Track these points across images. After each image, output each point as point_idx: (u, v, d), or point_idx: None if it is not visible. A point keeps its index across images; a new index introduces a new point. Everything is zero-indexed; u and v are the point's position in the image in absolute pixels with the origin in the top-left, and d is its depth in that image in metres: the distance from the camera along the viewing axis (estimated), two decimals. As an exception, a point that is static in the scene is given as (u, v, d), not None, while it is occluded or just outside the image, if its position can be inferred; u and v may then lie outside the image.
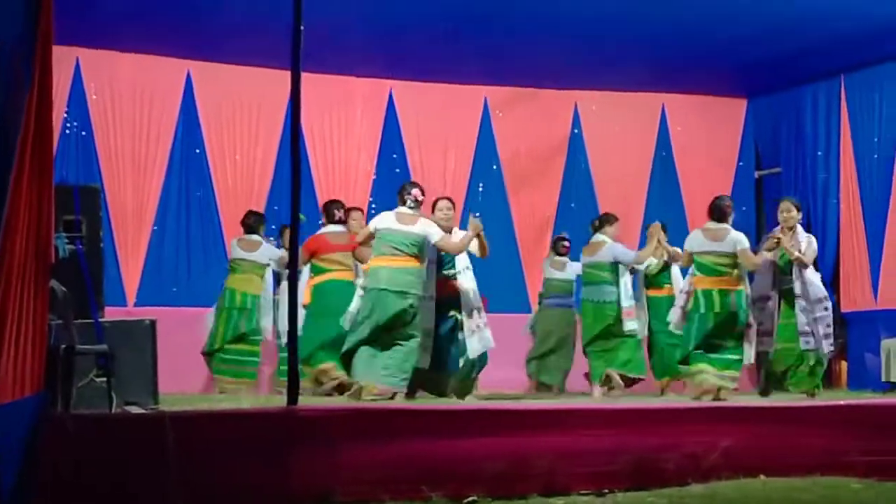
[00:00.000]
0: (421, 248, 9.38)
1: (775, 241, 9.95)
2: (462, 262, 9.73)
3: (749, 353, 9.71)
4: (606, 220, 11.51)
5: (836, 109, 13.64)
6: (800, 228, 10.15)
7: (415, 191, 9.56)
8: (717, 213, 9.92)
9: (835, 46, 12.38)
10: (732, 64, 13.19)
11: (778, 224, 10.20)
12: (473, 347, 9.62)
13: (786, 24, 11.62)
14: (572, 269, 11.95)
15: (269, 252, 11.45)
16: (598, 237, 11.37)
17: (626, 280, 11.20)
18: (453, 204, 10.05)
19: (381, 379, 9.12)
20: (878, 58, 12.86)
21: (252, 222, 11.58)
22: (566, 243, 12.11)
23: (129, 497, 5.42)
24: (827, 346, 9.87)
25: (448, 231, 9.68)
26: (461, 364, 9.67)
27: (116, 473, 5.44)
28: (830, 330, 9.92)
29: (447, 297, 9.67)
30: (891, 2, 11.01)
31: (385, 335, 9.23)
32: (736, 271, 9.67)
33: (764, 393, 10.23)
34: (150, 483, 5.45)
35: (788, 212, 10.15)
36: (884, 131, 13.04)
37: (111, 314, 9.45)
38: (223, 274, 11.79)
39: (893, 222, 12.72)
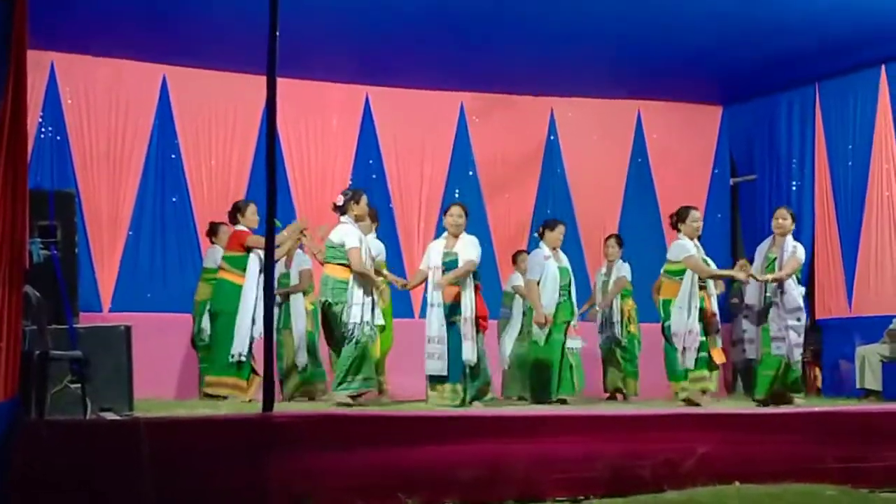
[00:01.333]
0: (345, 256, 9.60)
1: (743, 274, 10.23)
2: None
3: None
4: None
5: (811, 117, 13.71)
6: (789, 237, 10.23)
7: (338, 196, 9.85)
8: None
9: (810, 54, 12.45)
10: (708, 71, 13.25)
11: (763, 230, 10.38)
12: (466, 356, 9.66)
13: (761, 31, 11.68)
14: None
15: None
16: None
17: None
18: (465, 211, 10.18)
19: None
20: (853, 66, 12.94)
21: None
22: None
23: (103, 504, 5.39)
24: (796, 355, 9.97)
25: (455, 237, 9.92)
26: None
27: (91, 480, 5.41)
28: (801, 340, 10.04)
29: (452, 304, 9.87)
30: (865, 11, 11.08)
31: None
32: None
33: (759, 399, 10.28)
34: (124, 490, 5.42)
35: (784, 219, 10.27)
36: (858, 139, 13.11)
37: (86, 320, 9.41)
38: (198, 279, 11.75)
39: (868, 230, 12.78)
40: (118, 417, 6.72)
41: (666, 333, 10.13)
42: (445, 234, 10.05)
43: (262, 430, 5.92)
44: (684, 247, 10.17)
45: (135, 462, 5.44)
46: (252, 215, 10.60)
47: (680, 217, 10.38)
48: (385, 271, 10.70)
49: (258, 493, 5.64)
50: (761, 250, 10.42)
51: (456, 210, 10.12)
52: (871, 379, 11.91)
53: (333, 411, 7.83)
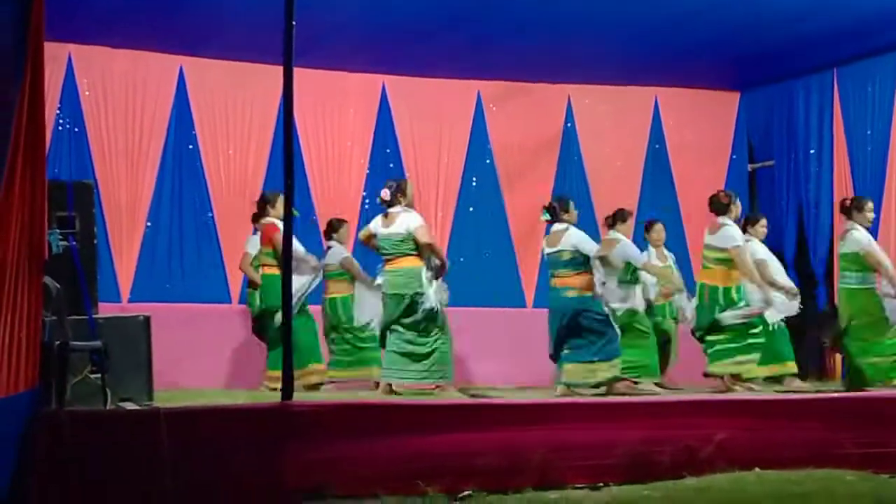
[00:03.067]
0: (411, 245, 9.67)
1: None
2: None
3: None
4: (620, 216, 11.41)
5: (829, 102, 13.65)
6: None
7: (383, 191, 9.87)
8: (712, 205, 10.24)
9: (827, 39, 12.38)
10: (725, 57, 13.19)
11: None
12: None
13: (778, 16, 11.62)
14: None
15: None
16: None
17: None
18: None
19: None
20: (871, 51, 12.86)
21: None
22: None
23: (124, 493, 5.42)
24: None
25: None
26: None
27: (111, 470, 5.43)
28: None
29: None
30: (883, -6, 11.04)
31: (393, 333, 9.83)
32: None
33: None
34: (145, 479, 5.45)
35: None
36: (876, 124, 13.05)
37: (105, 310, 9.43)
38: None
39: (887, 215, 12.72)
40: (138, 407, 6.75)
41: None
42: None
43: (281, 419, 5.95)
44: (734, 235, 10.30)
45: (154, 452, 5.46)
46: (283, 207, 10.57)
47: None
48: None
49: (277, 482, 5.67)
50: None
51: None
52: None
53: (351, 400, 7.84)
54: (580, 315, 9.74)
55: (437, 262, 9.98)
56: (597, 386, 9.66)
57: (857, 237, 10.51)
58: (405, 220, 9.96)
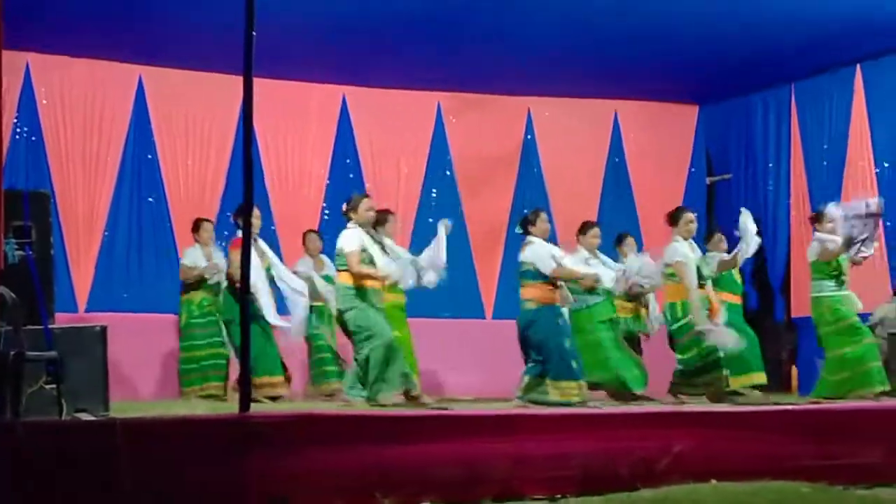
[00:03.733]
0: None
1: None
2: None
3: None
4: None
5: (787, 117, 13.79)
6: None
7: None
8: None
9: (785, 55, 12.50)
10: (684, 71, 13.28)
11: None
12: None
13: (737, 32, 11.72)
14: None
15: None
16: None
17: None
18: None
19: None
20: (828, 66, 13.00)
21: None
22: None
23: (79, 504, 5.38)
24: None
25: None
26: None
27: (67, 481, 5.39)
28: None
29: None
30: (839, 11, 11.13)
31: None
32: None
33: None
34: (101, 491, 5.41)
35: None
36: (833, 138, 13.18)
37: (61, 320, 9.35)
38: (175, 279, 11.75)
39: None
40: (94, 418, 6.70)
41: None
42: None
43: (239, 430, 5.91)
44: (677, 250, 10.24)
45: (111, 463, 5.43)
46: (256, 220, 10.55)
47: (673, 219, 10.44)
48: None
49: (235, 494, 5.64)
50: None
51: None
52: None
53: (310, 411, 7.82)
54: (530, 328, 9.69)
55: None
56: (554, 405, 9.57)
57: (811, 247, 10.59)
58: (342, 237, 9.81)
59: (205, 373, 11.38)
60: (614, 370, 10.82)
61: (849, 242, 10.30)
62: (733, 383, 10.39)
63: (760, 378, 10.85)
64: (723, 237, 11.56)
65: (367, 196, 10.13)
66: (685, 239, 10.34)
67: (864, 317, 11.97)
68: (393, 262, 9.87)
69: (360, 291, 9.48)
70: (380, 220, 10.30)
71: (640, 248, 13.34)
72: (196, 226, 11.69)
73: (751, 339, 10.75)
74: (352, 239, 9.60)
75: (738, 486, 6.36)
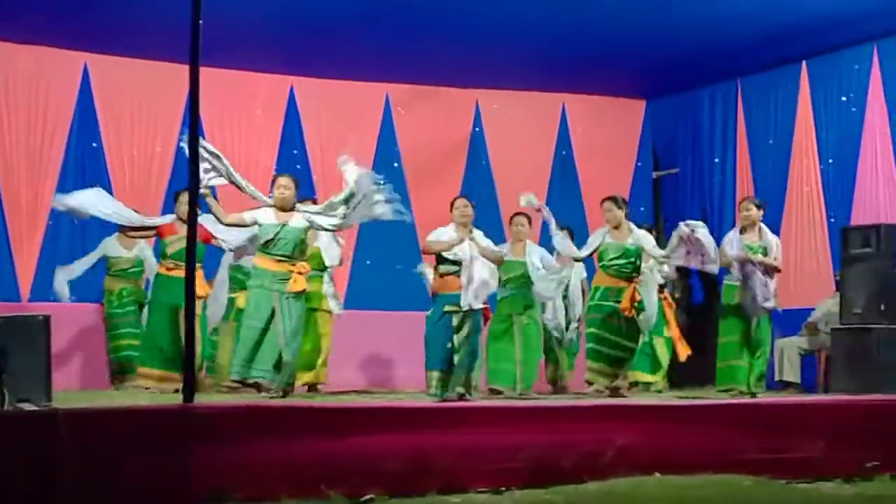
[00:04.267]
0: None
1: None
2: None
3: None
4: None
5: (733, 112, 13.88)
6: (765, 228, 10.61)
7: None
8: None
9: (732, 50, 12.58)
10: (631, 66, 13.34)
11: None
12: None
13: (683, 27, 11.78)
14: None
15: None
16: None
17: None
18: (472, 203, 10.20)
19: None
20: (774, 62, 13.09)
21: None
22: None
23: (20, 497, 5.32)
24: None
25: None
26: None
27: (9, 471, 5.34)
28: None
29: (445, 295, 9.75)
30: (786, 7, 11.20)
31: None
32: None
33: None
34: (42, 482, 5.36)
35: (747, 210, 10.44)
36: (779, 134, 13.28)
37: (4, 310, 9.31)
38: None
39: (787, 224, 12.94)
40: (36, 408, 6.65)
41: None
42: None
43: (183, 421, 5.88)
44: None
45: (54, 453, 5.38)
46: (182, 205, 10.47)
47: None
48: None
49: (179, 485, 5.61)
50: (731, 241, 10.52)
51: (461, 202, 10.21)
52: (790, 371, 12.06)
53: (253, 402, 7.79)
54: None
55: None
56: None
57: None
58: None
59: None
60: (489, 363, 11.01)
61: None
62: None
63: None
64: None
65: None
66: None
67: (807, 311, 12.11)
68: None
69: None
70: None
71: (584, 241, 13.44)
72: None
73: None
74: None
75: (683, 480, 6.39)
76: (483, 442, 6.35)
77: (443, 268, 9.76)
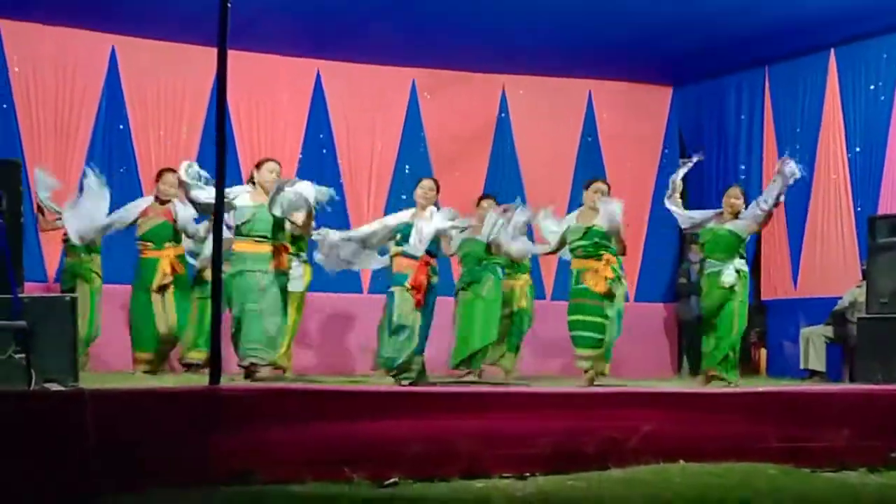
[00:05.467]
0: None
1: None
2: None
3: None
4: None
5: (760, 100, 13.83)
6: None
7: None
8: None
9: (760, 38, 12.53)
10: (658, 52, 13.30)
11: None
12: None
13: (712, 14, 11.74)
14: None
15: None
16: None
17: None
18: (437, 185, 10.26)
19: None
20: (802, 50, 13.04)
21: None
22: None
23: (47, 475, 5.35)
24: None
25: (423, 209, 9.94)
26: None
27: (35, 451, 5.37)
28: None
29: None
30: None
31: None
32: None
33: None
34: (69, 461, 5.39)
35: (737, 198, 10.33)
36: (805, 122, 13.23)
37: (31, 290, 9.33)
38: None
39: (814, 212, 12.90)
40: (63, 388, 6.68)
41: None
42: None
43: (209, 402, 5.90)
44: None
45: (79, 433, 5.41)
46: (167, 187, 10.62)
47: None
48: None
49: (203, 466, 5.63)
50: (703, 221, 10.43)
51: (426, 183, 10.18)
52: (815, 360, 12.03)
53: (279, 385, 7.82)
54: None
55: None
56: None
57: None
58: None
59: None
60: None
61: None
62: None
63: None
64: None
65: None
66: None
67: (834, 300, 12.06)
68: None
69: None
70: None
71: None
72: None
73: None
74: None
75: (707, 468, 6.38)
76: (506, 427, 6.36)
77: (395, 248, 9.79)
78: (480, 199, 11.54)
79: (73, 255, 11.27)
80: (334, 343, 13.18)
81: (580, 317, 9.91)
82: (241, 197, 9.49)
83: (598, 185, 10.18)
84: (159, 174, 10.76)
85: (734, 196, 10.42)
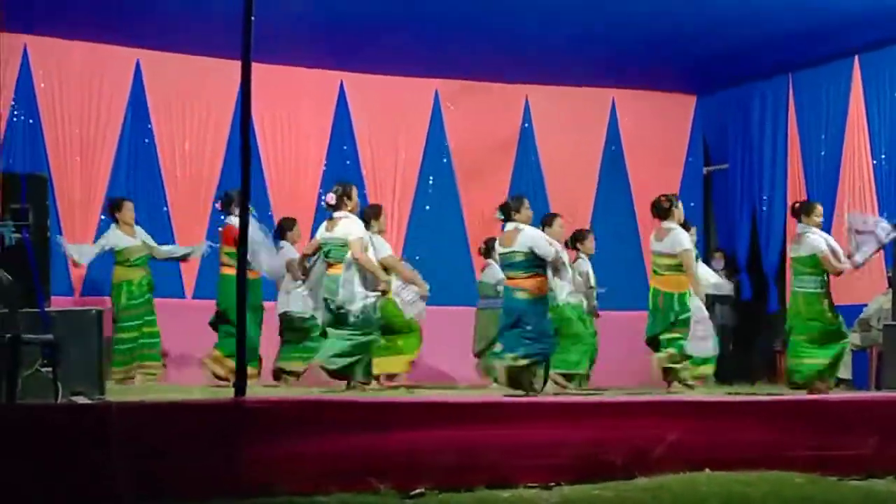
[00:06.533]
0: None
1: None
2: None
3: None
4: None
5: (784, 107, 13.79)
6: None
7: (328, 195, 9.89)
8: (654, 210, 10.23)
9: (784, 45, 12.50)
10: (682, 60, 13.28)
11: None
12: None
13: (735, 21, 11.72)
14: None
15: None
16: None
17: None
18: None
19: None
20: (826, 56, 12.99)
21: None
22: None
23: (74, 488, 5.38)
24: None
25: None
26: None
27: (62, 463, 5.40)
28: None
29: None
30: (838, 1, 11.12)
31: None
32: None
33: None
34: (95, 474, 5.41)
35: (818, 216, 10.58)
36: (830, 129, 13.18)
37: (57, 304, 9.39)
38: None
39: (839, 220, 12.83)
40: (89, 401, 6.71)
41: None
42: None
43: (234, 414, 5.92)
44: (681, 240, 10.17)
45: (106, 446, 5.43)
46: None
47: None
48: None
49: (229, 478, 5.64)
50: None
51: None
52: (842, 368, 11.95)
53: (304, 397, 7.83)
54: (526, 317, 9.52)
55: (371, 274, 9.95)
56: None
57: (813, 241, 10.45)
58: (346, 227, 9.92)
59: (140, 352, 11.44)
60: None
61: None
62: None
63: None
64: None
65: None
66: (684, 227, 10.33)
67: (860, 308, 12.01)
68: None
69: None
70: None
71: (634, 237, 13.44)
72: (118, 206, 11.62)
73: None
74: (360, 230, 9.83)
75: (733, 476, 6.36)
76: (532, 437, 6.35)
77: None
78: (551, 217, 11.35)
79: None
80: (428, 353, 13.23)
81: None
82: None
83: None
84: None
85: (819, 214, 10.48)
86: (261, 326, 10.99)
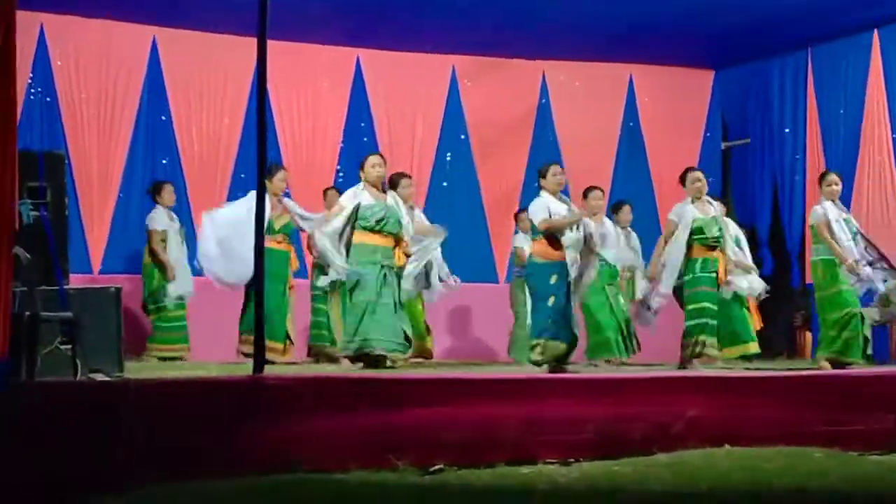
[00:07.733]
0: None
1: None
2: None
3: None
4: None
5: (803, 82, 13.72)
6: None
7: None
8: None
9: (802, 19, 12.43)
10: (700, 35, 13.21)
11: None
12: None
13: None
14: None
15: None
16: None
17: None
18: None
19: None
20: (845, 30, 12.92)
21: None
22: None
23: (93, 465, 5.39)
24: None
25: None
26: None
27: (80, 442, 5.40)
28: None
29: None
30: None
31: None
32: None
33: None
34: (114, 451, 5.42)
35: (836, 184, 10.34)
36: (850, 103, 13.12)
37: (76, 281, 9.41)
38: (188, 240, 11.78)
39: (859, 194, 12.79)
40: (108, 378, 6.73)
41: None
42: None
43: (253, 392, 5.92)
44: (674, 209, 10.30)
45: (124, 424, 5.44)
46: (280, 182, 10.59)
47: (682, 179, 10.42)
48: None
49: (248, 456, 5.64)
50: (837, 217, 10.29)
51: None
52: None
53: (323, 374, 7.84)
54: (527, 282, 9.62)
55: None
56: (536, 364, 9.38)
57: (815, 210, 10.42)
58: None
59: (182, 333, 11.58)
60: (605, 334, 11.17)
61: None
62: (727, 353, 10.33)
63: (754, 348, 10.72)
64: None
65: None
66: (696, 198, 10.27)
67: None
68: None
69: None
70: (393, 183, 10.30)
71: (652, 212, 13.40)
72: (158, 189, 11.69)
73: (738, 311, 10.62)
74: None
75: (752, 451, 6.36)
76: (551, 413, 6.35)
77: None
78: (587, 190, 11.39)
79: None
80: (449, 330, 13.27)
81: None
82: (364, 195, 9.63)
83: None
84: (270, 170, 10.54)
85: (835, 182, 10.34)
86: (287, 302, 10.79)
